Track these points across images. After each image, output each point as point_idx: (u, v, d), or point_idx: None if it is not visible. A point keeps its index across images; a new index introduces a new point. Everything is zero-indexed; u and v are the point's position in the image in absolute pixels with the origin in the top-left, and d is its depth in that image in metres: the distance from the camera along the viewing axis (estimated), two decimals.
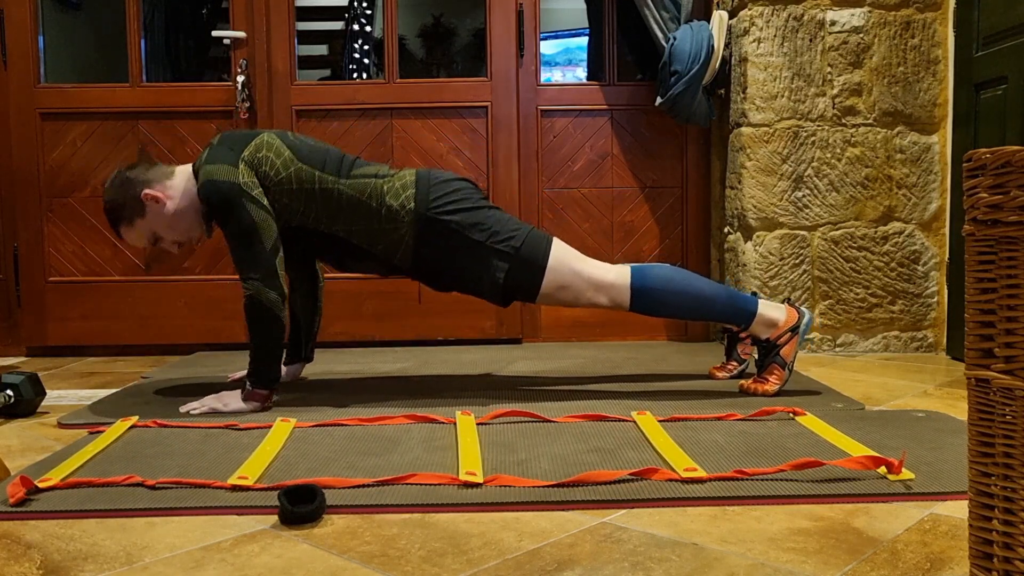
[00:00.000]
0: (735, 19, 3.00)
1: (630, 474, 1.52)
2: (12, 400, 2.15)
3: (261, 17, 3.19)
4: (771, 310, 2.22)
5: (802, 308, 2.23)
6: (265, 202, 2.11)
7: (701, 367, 2.64)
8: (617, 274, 2.20)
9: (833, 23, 2.91)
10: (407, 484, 1.51)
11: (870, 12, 2.92)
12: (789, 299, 2.29)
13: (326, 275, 3.23)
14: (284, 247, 2.21)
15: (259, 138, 2.17)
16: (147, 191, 2.16)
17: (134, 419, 1.99)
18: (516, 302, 2.42)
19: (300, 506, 1.36)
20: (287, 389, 2.40)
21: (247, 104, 3.16)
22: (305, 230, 2.20)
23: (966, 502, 1.19)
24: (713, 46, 2.93)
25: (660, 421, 1.92)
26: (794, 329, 2.20)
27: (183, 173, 2.22)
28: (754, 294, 2.45)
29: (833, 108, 2.93)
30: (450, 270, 2.21)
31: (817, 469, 1.54)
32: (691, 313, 2.24)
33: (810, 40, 2.92)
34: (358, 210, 2.17)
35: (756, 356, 2.28)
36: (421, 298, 3.24)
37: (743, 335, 2.35)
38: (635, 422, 1.92)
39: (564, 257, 2.20)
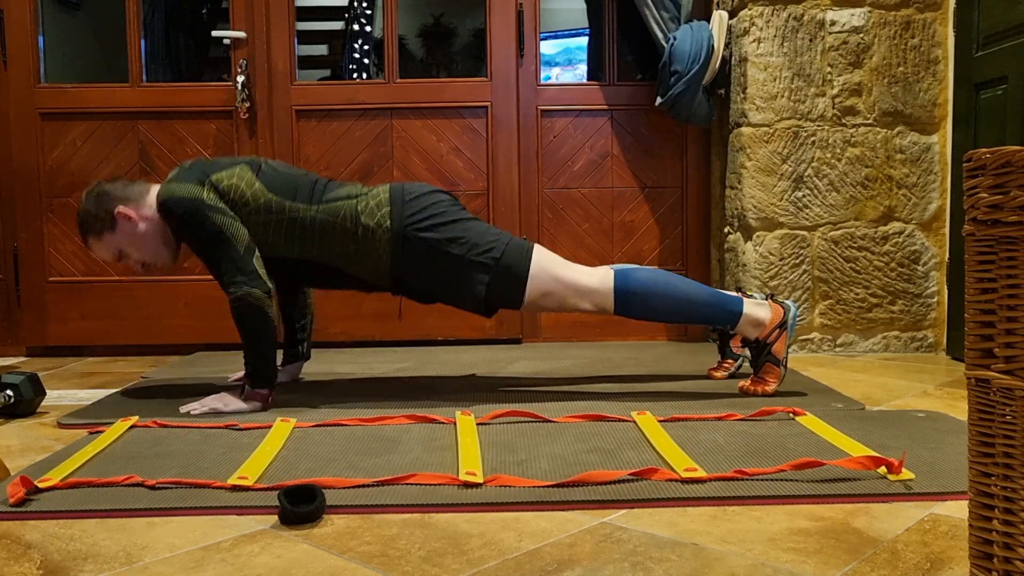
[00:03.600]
0: (735, 19, 3.00)
1: (630, 474, 1.52)
2: (12, 400, 2.15)
3: (261, 17, 3.19)
4: (757, 309, 2.21)
5: (786, 302, 2.23)
6: (231, 213, 2.10)
7: (701, 367, 2.64)
8: (600, 279, 2.19)
9: (833, 23, 2.91)
10: (407, 484, 1.51)
11: (870, 12, 2.92)
12: (772, 295, 2.28)
13: None
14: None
15: (231, 169, 2.16)
16: (121, 208, 2.16)
17: (134, 419, 1.99)
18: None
19: (300, 506, 1.36)
20: (287, 389, 2.40)
21: (247, 104, 3.16)
22: (279, 259, 2.19)
23: (966, 502, 1.19)
24: (713, 46, 2.93)
25: (660, 421, 1.92)
26: (781, 325, 2.19)
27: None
28: (738, 288, 2.45)
29: (833, 108, 2.93)
30: (431, 285, 2.20)
31: (817, 469, 1.54)
32: (676, 316, 2.22)
33: (810, 40, 2.92)
34: (334, 234, 2.16)
35: (749, 355, 2.28)
36: None
37: (732, 333, 2.35)
38: (635, 422, 1.92)
39: (546, 264, 2.19)
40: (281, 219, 2.15)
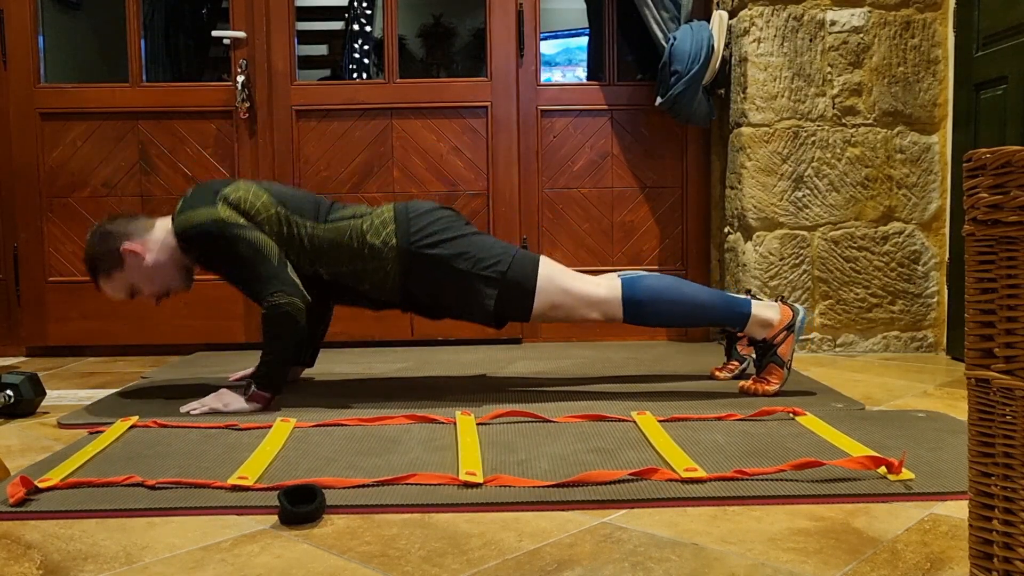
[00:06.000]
0: (735, 19, 3.00)
1: (630, 474, 1.52)
2: (12, 400, 2.15)
3: (261, 17, 3.18)
4: (765, 310, 2.22)
5: (796, 305, 2.24)
6: (252, 225, 2.12)
7: (701, 367, 2.64)
8: (608, 288, 2.20)
9: (833, 23, 2.91)
10: (407, 484, 1.51)
11: (870, 12, 2.92)
12: (782, 297, 2.29)
13: None
14: None
15: (235, 183, 2.19)
16: (126, 245, 2.18)
17: (134, 419, 1.99)
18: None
19: (300, 506, 1.36)
20: (287, 389, 2.39)
21: (247, 104, 3.16)
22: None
23: (966, 502, 1.19)
24: (713, 46, 2.93)
25: (660, 421, 1.92)
26: (789, 327, 2.20)
27: (163, 227, 2.23)
28: (748, 292, 2.45)
29: (833, 108, 2.93)
30: (440, 301, 2.22)
31: (817, 469, 1.54)
32: (685, 320, 2.26)
33: (810, 40, 2.92)
34: (340, 252, 2.18)
35: (755, 356, 2.29)
36: None
37: (740, 335, 2.35)
38: (635, 422, 1.92)
39: (553, 276, 2.20)
40: (291, 232, 2.17)
